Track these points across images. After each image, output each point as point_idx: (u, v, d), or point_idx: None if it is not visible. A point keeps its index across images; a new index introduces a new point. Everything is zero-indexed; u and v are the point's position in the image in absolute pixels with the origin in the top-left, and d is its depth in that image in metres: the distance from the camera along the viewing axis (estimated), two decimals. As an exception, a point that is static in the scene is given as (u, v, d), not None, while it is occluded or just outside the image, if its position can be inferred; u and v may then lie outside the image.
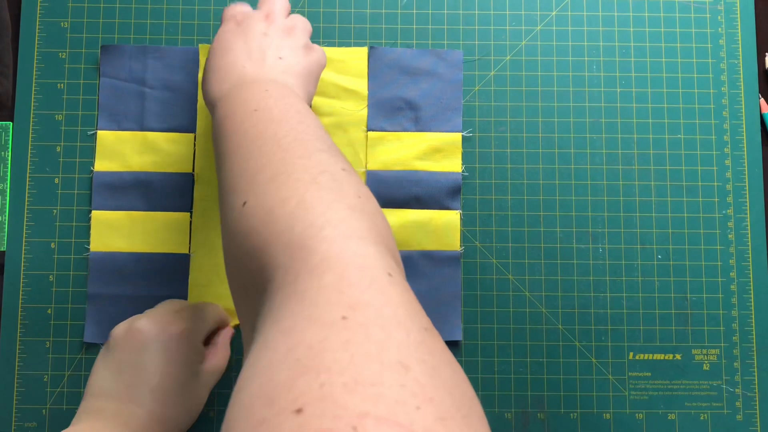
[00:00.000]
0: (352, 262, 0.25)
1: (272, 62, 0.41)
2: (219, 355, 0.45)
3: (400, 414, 0.19)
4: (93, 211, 0.49)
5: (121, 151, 0.50)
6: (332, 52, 0.50)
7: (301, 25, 0.44)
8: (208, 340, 0.46)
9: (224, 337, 0.46)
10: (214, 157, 0.37)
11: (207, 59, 0.43)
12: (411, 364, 0.21)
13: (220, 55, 0.41)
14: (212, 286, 0.48)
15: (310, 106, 0.42)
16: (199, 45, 0.51)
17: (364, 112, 0.50)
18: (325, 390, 0.20)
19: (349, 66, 0.50)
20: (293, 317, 0.24)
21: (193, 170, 0.50)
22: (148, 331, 0.41)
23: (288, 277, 0.26)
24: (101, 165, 0.49)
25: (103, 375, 0.41)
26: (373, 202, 0.32)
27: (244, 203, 0.31)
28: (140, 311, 0.48)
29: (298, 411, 0.19)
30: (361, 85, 0.50)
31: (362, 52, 0.51)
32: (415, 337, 0.23)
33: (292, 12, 0.51)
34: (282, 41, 0.42)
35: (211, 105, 0.41)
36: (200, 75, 0.50)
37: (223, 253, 0.33)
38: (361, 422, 0.19)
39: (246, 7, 0.44)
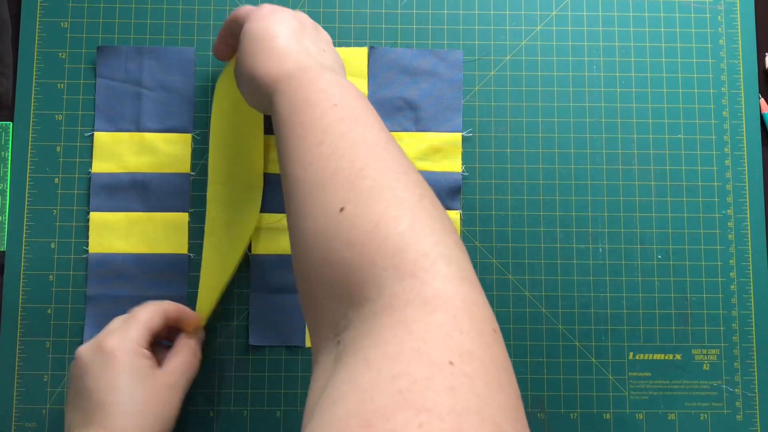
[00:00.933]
0: (464, 308, 0.25)
1: (319, 54, 0.39)
2: (180, 355, 0.43)
3: None
4: (91, 213, 0.49)
5: (118, 152, 0.49)
6: None
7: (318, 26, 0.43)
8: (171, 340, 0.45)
9: (183, 338, 0.44)
10: (280, 147, 0.35)
11: (247, 52, 0.39)
12: (505, 428, 0.22)
13: (271, 38, 0.38)
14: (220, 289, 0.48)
15: None
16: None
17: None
18: (423, 430, 0.20)
19: (349, 66, 0.50)
20: (399, 345, 0.23)
21: (191, 171, 0.50)
22: (84, 356, 0.40)
23: (396, 303, 0.25)
24: (99, 166, 0.49)
25: (69, 414, 0.40)
26: (459, 237, 0.31)
27: (342, 209, 0.29)
28: None
29: None
30: (361, 85, 0.50)
31: (362, 52, 0.51)
32: (512, 403, 0.23)
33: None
34: (314, 34, 0.41)
35: (266, 87, 0.38)
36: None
37: (297, 250, 0.31)
38: None
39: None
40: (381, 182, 0.29)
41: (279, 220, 0.49)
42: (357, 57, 0.51)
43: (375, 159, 0.31)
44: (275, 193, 0.49)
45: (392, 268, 0.26)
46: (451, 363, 0.23)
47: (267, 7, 0.41)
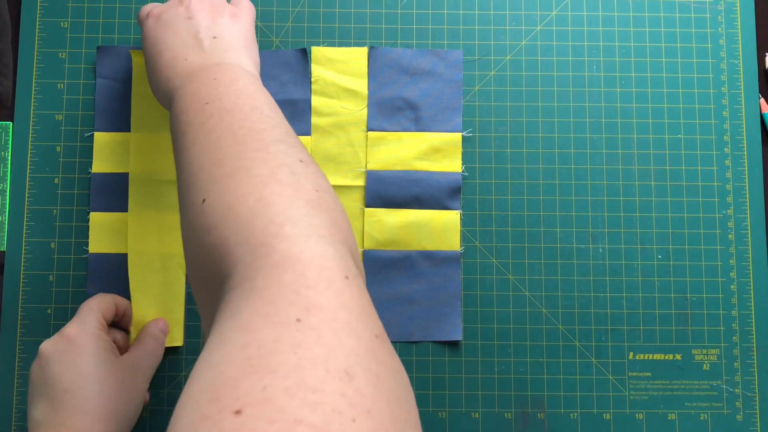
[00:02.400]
0: (311, 262, 0.25)
1: (210, 45, 0.40)
2: (142, 342, 0.45)
3: (334, 424, 0.19)
4: (91, 213, 0.49)
5: (118, 152, 0.49)
6: (332, 52, 0.50)
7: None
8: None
9: (146, 327, 0.46)
10: (174, 155, 0.37)
11: (146, 63, 0.42)
12: (356, 373, 0.21)
13: (157, 54, 0.40)
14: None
15: (259, 72, 0.41)
16: (130, 50, 0.50)
17: (364, 112, 0.50)
18: (267, 392, 0.20)
19: (349, 66, 0.50)
20: (250, 313, 0.24)
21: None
22: (46, 348, 0.41)
23: (248, 273, 0.26)
24: (99, 166, 0.49)
25: (33, 410, 0.40)
26: (332, 194, 0.32)
27: (204, 200, 0.30)
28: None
29: (238, 412, 0.20)
30: (361, 85, 0.50)
31: (362, 52, 0.51)
32: (365, 345, 0.23)
33: (292, 11, 0.51)
34: (208, 19, 0.41)
35: (166, 105, 0.40)
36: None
37: (184, 252, 0.33)
38: (293, 429, 0.19)
39: (157, 3, 0.43)
40: (237, 165, 0.31)
41: None
42: (357, 57, 0.51)
43: (236, 143, 0.32)
44: None
45: (243, 243, 0.27)
46: (298, 320, 0.23)
47: (154, 13, 0.42)
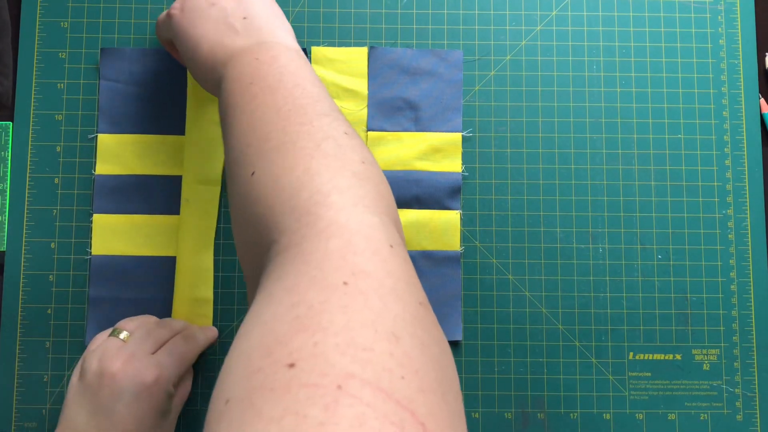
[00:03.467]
0: (358, 231, 0.26)
1: (242, 26, 0.40)
2: (186, 383, 0.45)
3: (384, 380, 0.20)
4: (94, 215, 0.49)
5: (121, 154, 0.49)
6: (332, 52, 0.50)
7: None
8: None
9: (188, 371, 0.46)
10: (222, 137, 0.37)
11: (186, 59, 0.42)
12: (403, 336, 0.22)
13: (195, 48, 0.41)
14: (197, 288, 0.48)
15: (295, 38, 0.41)
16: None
17: (364, 112, 0.50)
18: (318, 348, 0.21)
19: (349, 66, 0.50)
20: (297, 276, 0.25)
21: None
22: (121, 379, 0.40)
23: (294, 239, 0.27)
24: (102, 168, 0.49)
25: (77, 411, 0.40)
26: (377, 167, 0.32)
27: (252, 173, 0.31)
28: (142, 314, 0.48)
29: (291, 365, 0.20)
30: (361, 85, 0.50)
31: (362, 52, 0.51)
32: (411, 311, 0.24)
33: (292, 11, 0.51)
34: (231, 1, 0.41)
35: (215, 92, 0.40)
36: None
37: (231, 223, 0.33)
38: (346, 382, 0.20)
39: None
40: (283, 139, 0.31)
41: None
42: (357, 57, 0.51)
43: (281, 119, 0.33)
44: None
45: (289, 211, 0.28)
46: (345, 283, 0.24)
47: (174, 11, 0.42)
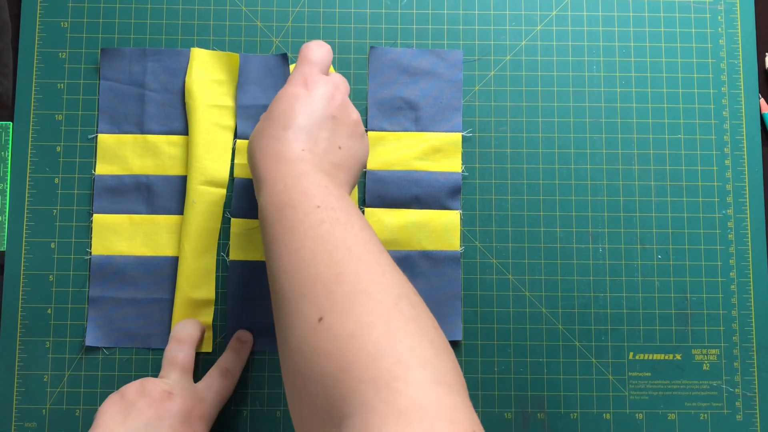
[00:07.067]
0: (442, 414, 0.25)
1: (330, 150, 0.38)
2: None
3: None
4: (94, 215, 0.49)
5: (121, 154, 0.49)
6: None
7: (352, 109, 0.40)
8: None
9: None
10: (265, 242, 0.35)
11: (267, 118, 0.39)
12: None
13: (283, 123, 0.37)
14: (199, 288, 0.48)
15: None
16: (192, 49, 0.50)
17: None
18: None
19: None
20: None
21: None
22: (170, 408, 0.40)
23: (373, 420, 0.25)
24: (102, 168, 0.49)
25: (114, 426, 0.39)
26: (441, 332, 0.31)
27: (320, 319, 0.29)
28: (141, 314, 0.48)
29: None
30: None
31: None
32: None
33: (292, 11, 0.51)
34: (342, 125, 0.39)
35: (257, 174, 0.37)
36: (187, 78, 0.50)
37: (283, 361, 0.31)
38: None
39: (323, 54, 0.40)
40: (358, 286, 0.30)
41: (247, 227, 0.49)
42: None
43: (353, 261, 0.31)
44: (242, 200, 0.49)
45: (369, 380, 0.26)
46: None
47: (311, 73, 0.39)
